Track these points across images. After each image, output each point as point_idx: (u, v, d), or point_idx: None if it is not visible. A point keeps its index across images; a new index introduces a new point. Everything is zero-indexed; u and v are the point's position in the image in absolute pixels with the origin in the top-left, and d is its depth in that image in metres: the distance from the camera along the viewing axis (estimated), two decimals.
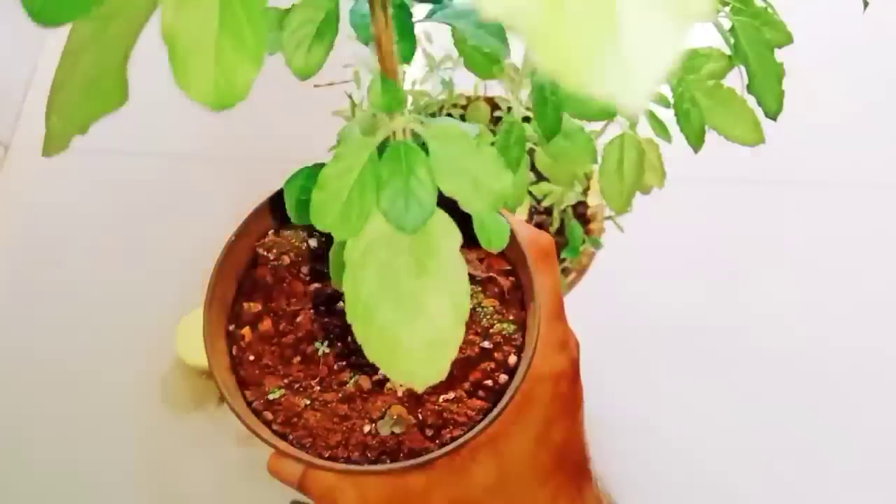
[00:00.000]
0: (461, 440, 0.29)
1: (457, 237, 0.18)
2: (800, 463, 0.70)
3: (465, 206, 0.18)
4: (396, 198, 0.17)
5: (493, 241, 0.25)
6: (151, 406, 0.72)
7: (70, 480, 0.69)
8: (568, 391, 0.33)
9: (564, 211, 0.60)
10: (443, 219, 0.18)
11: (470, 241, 0.35)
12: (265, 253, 0.33)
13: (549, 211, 0.61)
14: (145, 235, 0.80)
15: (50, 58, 0.93)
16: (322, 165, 0.19)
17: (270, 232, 0.34)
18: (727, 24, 0.41)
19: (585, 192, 0.63)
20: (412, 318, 0.17)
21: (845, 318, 0.77)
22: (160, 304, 0.73)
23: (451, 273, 0.18)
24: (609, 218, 0.61)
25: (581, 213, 0.63)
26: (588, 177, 0.62)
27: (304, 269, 0.33)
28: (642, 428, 0.70)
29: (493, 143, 0.44)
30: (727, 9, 0.40)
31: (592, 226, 0.62)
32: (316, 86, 0.59)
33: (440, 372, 0.18)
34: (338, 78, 0.57)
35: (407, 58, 0.18)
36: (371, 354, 0.18)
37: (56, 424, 0.72)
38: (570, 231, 0.59)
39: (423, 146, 0.18)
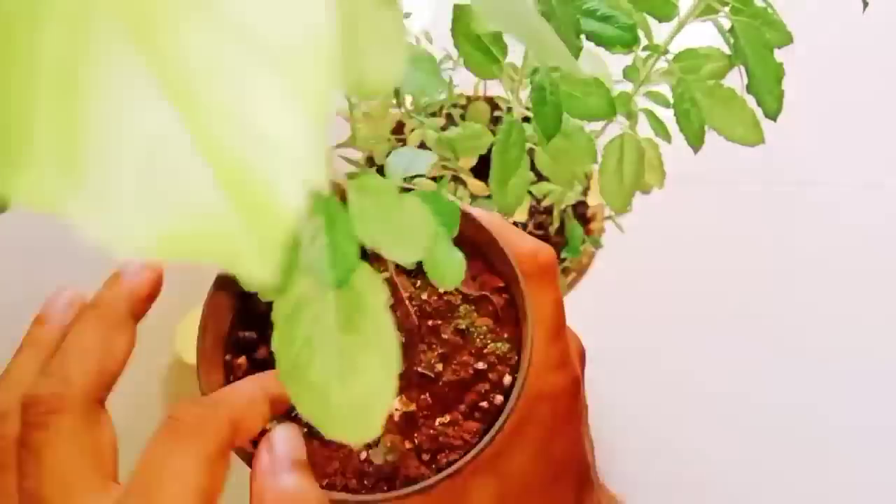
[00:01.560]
0: (457, 465, 0.28)
1: (383, 293, 0.18)
2: (803, 463, 0.70)
3: (389, 257, 0.19)
4: (319, 253, 0.17)
5: (447, 277, 0.24)
6: (151, 406, 0.72)
7: None
8: (568, 408, 0.33)
9: (564, 211, 0.60)
10: (369, 274, 0.18)
11: (467, 254, 0.34)
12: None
13: (549, 211, 0.61)
14: None
15: None
16: None
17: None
18: (727, 24, 0.41)
19: (585, 191, 0.63)
20: (342, 375, 0.17)
21: (846, 318, 0.77)
22: (160, 303, 0.72)
23: (379, 329, 0.17)
24: (609, 218, 0.61)
25: (581, 212, 0.63)
26: (588, 176, 0.62)
27: None
28: (642, 427, 0.70)
29: (492, 143, 0.44)
30: (727, 9, 0.40)
31: (592, 226, 0.62)
32: None
33: (372, 429, 0.18)
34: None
35: None
36: (303, 411, 0.18)
37: None
38: (570, 231, 0.59)
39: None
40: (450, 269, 0.25)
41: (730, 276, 0.79)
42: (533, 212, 0.62)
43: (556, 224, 0.60)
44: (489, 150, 0.44)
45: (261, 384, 0.26)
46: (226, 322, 0.33)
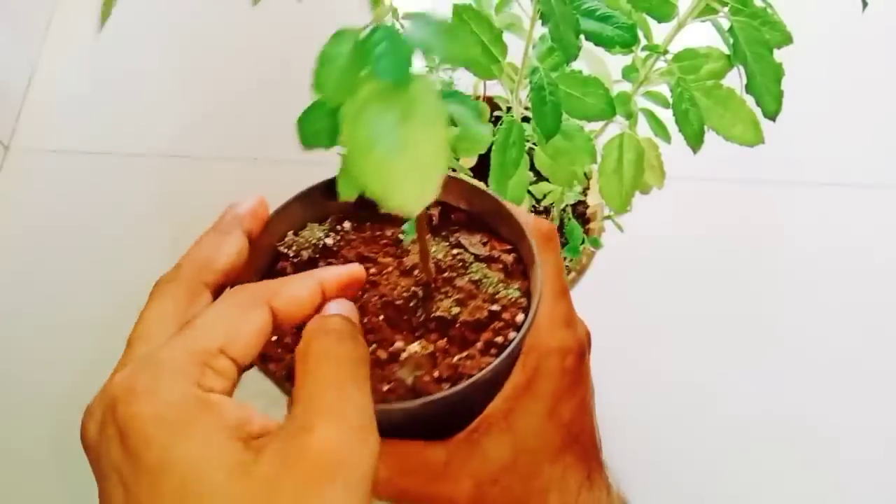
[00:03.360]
0: (478, 375, 0.30)
1: (434, 89, 0.22)
2: (802, 462, 0.70)
3: (436, 60, 0.23)
4: (382, 59, 0.21)
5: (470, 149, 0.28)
6: None
7: (73, 478, 0.69)
8: (574, 367, 0.34)
9: (564, 210, 0.60)
10: (422, 78, 0.22)
11: (472, 227, 0.36)
12: (285, 251, 0.36)
13: (548, 210, 0.61)
14: (146, 235, 0.80)
15: (50, 58, 0.94)
16: (321, 105, 0.26)
17: (290, 232, 0.36)
18: (726, 24, 0.41)
19: (585, 191, 0.63)
20: (402, 149, 0.21)
21: (846, 318, 0.77)
22: None
23: (431, 115, 0.21)
24: (608, 217, 0.61)
25: (580, 212, 0.63)
26: (587, 176, 0.62)
27: (321, 265, 0.35)
28: (641, 427, 0.70)
29: (492, 143, 0.44)
30: (726, 9, 0.40)
31: (592, 225, 0.62)
32: None
33: (429, 192, 0.21)
34: None
35: None
36: (368, 185, 0.21)
37: (55, 424, 0.72)
38: (570, 231, 0.59)
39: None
40: (475, 141, 0.29)
41: (730, 277, 0.79)
42: (532, 211, 0.62)
43: (555, 224, 0.60)
44: (489, 150, 0.44)
45: (314, 274, 0.31)
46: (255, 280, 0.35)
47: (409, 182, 0.21)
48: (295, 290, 0.29)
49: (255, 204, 0.33)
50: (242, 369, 0.28)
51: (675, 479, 0.69)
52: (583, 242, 0.60)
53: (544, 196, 0.58)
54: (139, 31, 0.96)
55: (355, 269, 0.32)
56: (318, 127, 0.28)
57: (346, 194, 0.29)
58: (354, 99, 0.22)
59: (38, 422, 0.72)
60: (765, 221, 0.82)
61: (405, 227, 0.37)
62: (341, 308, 0.29)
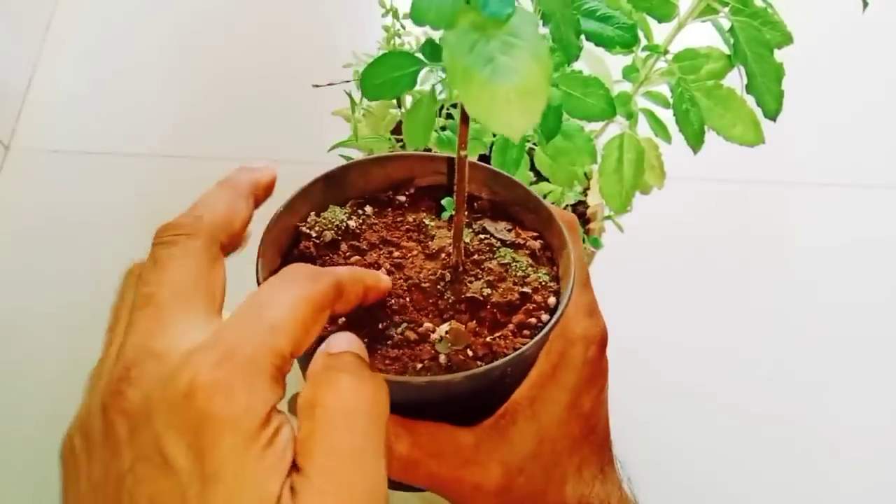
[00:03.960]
0: (517, 352, 0.30)
1: (535, 21, 0.22)
2: (802, 461, 0.70)
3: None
4: None
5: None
6: None
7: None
8: (596, 358, 0.34)
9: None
10: (521, 10, 0.22)
11: (497, 214, 0.37)
12: (308, 231, 0.35)
13: None
14: (146, 236, 0.80)
15: (50, 58, 0.94)
16: (392, 54, 0.28)
17: (312, 213, 0.36)
18: (727, 25, 0.41)
19: (585, 191, 0.63)
20: (506, 76, 0.21)
21: (846, 318, 0.77)
22: None
23: (534, 44, 0.21)
24: (609, 218, 0.61)
25: (581, 212, 0.63)
26: (588, 176, 0.62)
27: (344, 247, 0.35)
28: (641, 427, 0.70)
29: (493, 144, 0.44)
30: (727, 9, 0.40)
31: (592, 225, 0.62)
32: (316, 86, 0.59)
33: (534, 116, 0.21)
34: (338, 78, 0.57)
35: None
36: (472, 108, 0.21)
37: (56, 424, 0.72)
38: None
39: None
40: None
41: (730, 277, 0.79)
42: None
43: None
44: (490, 150, 0.44)
45: (358, 271, 0.29)
46: (276, 262, 0.35)
47: (514, 106, 0.21)
48: (351, 298, 0.28)
49: (270, 176, 0.32)
50: None
51: (676, 478, 0.69)
52: (583, 242, 0.60)
53: (544, 196, 0.58)
54: (139, 32, 0.96)
55: (385, 280, 0.31)
56: (384, 80, 0.29)
57: (414, 142, 0.29)
58: (455, 28, 0.22)
59: (38, 421, 0.72)
60: (765, 221, 0.82)
61: (445, 202, 0.37)
62: (351, 343, 0.27)
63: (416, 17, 0.22)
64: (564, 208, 0.60)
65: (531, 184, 0.58)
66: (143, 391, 0.23)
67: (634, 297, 0.76)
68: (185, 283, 0.26)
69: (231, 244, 0.30)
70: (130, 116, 0.90)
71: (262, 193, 0.32)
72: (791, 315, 0.77)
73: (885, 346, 0.75)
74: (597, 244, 0.60)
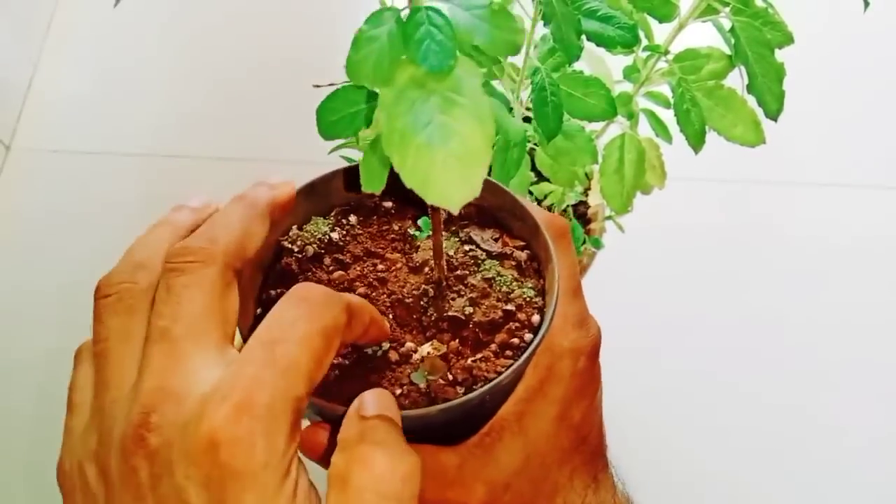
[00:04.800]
0: (499, 378, 0.29)
1: (479, 74, 0.21)
2: (803, 461, 0.70)
3: (485, 51, 0.22)
4: (421, 44, 0.20)
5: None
6: None
7: None
8: (586, 369, 0.33)
9: (565, 211, 0.60)
10: (465, 61, 0.20)
11: (483, 222, 0.36)
12: (289, 245, 0.34)
13: (549, 211, 0.61)
14: None
15: (50, 58, 0.94)
16: (347, 89, 0.25)
17: (294, 227, 0.35)
18: (727, 25, 0.41)
19: (586, 192, 0.63)
20: (444, 139, 0.20)
21: (846, 318, 0.77)
22: None
23: (477, 103, 0.20)
24: (609, 218, 0.61)
25: (581, 213, 0.63)
26: (589, 177, 0.62)
27: (327, 260, 0.34)
28: (641, 426, 0.70)
29: (493, 144, 0.44)
30: (727, 9, 0.40)
31: (593, 226, 0.62)
32: (316, 86, 0.58)
33: (474, 187, 0.20)
34: (339, 78, 0.57)
35: None
36: (407, 178, 0.20)
37: (55, 424, 0.72)
38: (571, 231, 0.59)
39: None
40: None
41: (730, 277, 0.79)
42: None
43: None
44: None
45: (364, 301, 0.29)
46: (257, 281, 0.34)
47: (452, 174, 0.20)
48: (357, 327, 0.27)
49: (289, 195, 0.31)
50: None
51: (676, 478, 0.69)
52: (584, 243, 0.60)
53: (545, 196, 0.58)
54: (139, 32, 0.96)
55: (387, 327, 0.31)
56: (339, 116, 0.26)
57: (370, 187, 0.27)
58: (393, 85, 0.20)
59: (38, 421, 0.72)
60: (765, 221, 0.82)
61: (421, 222, 0.36)
62: (383, 403, 0.26)
63: (352, 74, 0.21)
64: (565, 208, 0.60)
65: (532, 184, 0.57)
66: (164, 438, 0.24)
67: (635, 297, 0.76)
68: (200, 315, 0.26)
69: (244, 268, 0.29)
70: (130, 116, 0.90)
71: (280, 213, 0.31)
72: (792, 314, 0.77)
73: (886, 346, 0.75)
74: (598, 244, 0.60)
